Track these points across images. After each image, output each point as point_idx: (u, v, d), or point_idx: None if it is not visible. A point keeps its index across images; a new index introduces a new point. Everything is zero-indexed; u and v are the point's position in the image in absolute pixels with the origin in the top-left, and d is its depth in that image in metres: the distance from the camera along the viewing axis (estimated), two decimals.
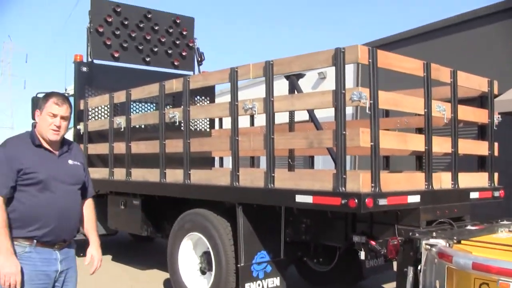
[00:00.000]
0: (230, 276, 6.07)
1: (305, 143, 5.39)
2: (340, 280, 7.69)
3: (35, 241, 3.59)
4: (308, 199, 5.13)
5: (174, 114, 6.82)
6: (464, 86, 6.12)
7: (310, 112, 6.32)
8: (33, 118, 9.69)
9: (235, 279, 6.07)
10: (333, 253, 7.45)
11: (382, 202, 4.85)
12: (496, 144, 6.58)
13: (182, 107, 6.67)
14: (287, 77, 6.21)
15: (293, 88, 6.14)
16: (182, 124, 6.77)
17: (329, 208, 5.11)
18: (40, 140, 3.69)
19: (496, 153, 6.58)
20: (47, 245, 3.64)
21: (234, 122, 5.89)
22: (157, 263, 9.01)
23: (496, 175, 6.61)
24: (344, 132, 4.81)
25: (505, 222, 5.76)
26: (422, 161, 7.13)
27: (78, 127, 9.04)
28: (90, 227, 4.00)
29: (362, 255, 5.82)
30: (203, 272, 6.75)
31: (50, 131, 3.64)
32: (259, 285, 6.04)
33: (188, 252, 6.83)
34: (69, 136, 9.27)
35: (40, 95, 9.73)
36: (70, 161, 3.83)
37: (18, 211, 3.55)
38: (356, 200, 4.69)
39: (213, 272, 6.30)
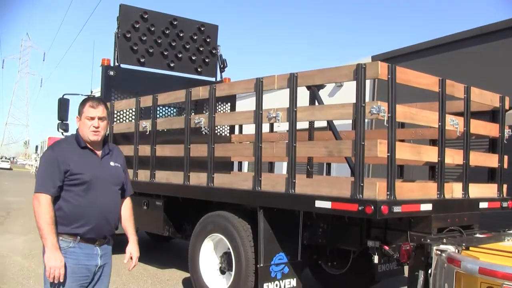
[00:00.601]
0: (249, 276, 6.39)
1: (325, 152, 5.72)
2: (352, 284, 7.99)
3: (78, 237, 3.90)
4: (327, 204, 5.45)
5: (200, 120, 7.15)
6: (477, 101, 6.43)
7: (330, 123, 6.67)
8: (60, 119, 10.14)
9: (254, 279, 6.39)
10: (346, 257, 7.78)
11: (397, 209, 5.17)
12: (505, 157, 6.89)
13: (207, 113, 7.01)
14: (308, 87, 6.54)
15: (314, 98, 6.46)
16: (203, 128, 7.10)
17: (347, 213, 5.44)
18: (84, 141, 4.01)
19: (505, 165, 6.89)
20: (89, 241, 3.95)
21: (258, 130, 6.22)
22: (175, 262, 9.35)
23: (505, 186, 6.91)
24: (363, 143, 5.14)
25: (511, 231, 6.06)
26: (435, 171, 7.49)
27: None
28: (129, 226, 4.30)
29: (376, 259, 6.15)
30: (222, 272, 7.08)
31: (90, 133, 3.96)
32: (276, 285, 6.35)
33: (209, 252, 7.15)
34: None
35: (67, 97, 10.20)
36: (111, 163, 4.14)
37: (63, 210, 3.86)
38: (372, 207, 5.02)
39: (233, 272, 6.62)
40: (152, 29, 10.16)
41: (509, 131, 6.97)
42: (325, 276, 8.22)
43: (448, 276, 4.87)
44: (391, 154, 5.17)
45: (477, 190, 6.43)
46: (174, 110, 10.46)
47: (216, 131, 10.53)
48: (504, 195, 6.89)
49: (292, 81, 5.84)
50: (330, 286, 8.14)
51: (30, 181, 42.46)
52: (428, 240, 5.25)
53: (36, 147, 50.43)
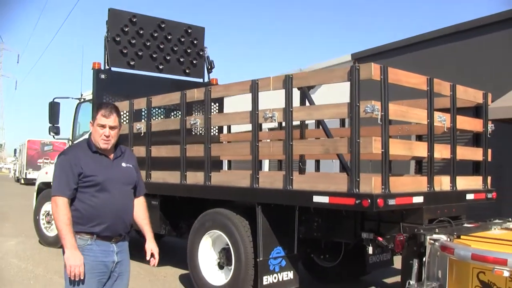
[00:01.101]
0: (249, 269, 6.65)
1: (322, 149, 6.01)
2: (344, 275, 8.32)
3: (95, 235, 4.10)
4: (325, 199, 5.74)
5: (196, 121, 7.39)
6: (462, 98, 6.77)
7: (321, 122, 6.96)
8: (51, 122, 10.29)
9: (254, 272, 6.66)
10: (338, 250, 8.10)
11: (391, 202, 5.49)
12: (489, 151, 7.24)
13: (203, 114, 7.25)
14: (299, 88, 6.81)
15: (304, 97, 6.71)
16: (198, 129, 7.34)
17: (344, 207, 5.73)
18: (95, 147, 4.20)
19: (489, 159, 7.25)
20: (105, 239, 4.15)
21: (255, 130, 6.49)
22: (169, 260, 9.53)
23: (489, 178, 7.27)
24: (358, 140, 5.43)
25: (497, 220, 6.40)
26: (422, 165, 7.84)
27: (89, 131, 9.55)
28: (145, 224, 4.48)
29: (370, 250, 6.45)
30: (221, 267, 7.32)
31: (101, 141, 4.14)
32: (275, 278, 6.63)
33: (208, 249, 7.39)
34: None
35: (57, 100, 10.35)
36: (123, 164, 4.32)
37: (79, 210, 4.07)
38: (369, 200, 5.32)
39: (232, 267, 6.87)
40: (141, 32, 10.34)
41: (492, 126, 7.33)
42: (317, 268, 8.53)
43: (442, 263, 5.19)
44: (385, 150, 5.48)
45: (463, 183, 6.76)
46: (163, 111, 10.66)
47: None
48: (489, 187, 7.24)
49: (287, 82, 6.10)
50: (323, 278, 8.44)
51: (9, 185, 42.23)
52: (421, 231, 5.56)
53: (15, 150, 50.14)
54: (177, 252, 10.02)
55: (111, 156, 4.28)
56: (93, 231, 4.09)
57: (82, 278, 3.98)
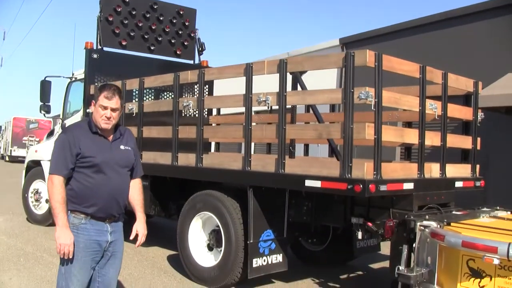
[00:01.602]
0: (239, 251, 6.71)
1: (315, 134, 6.06)
2: (332, 259, 8.41)
3: (89, 215, 4.13)
4: (317, 183, 5.79)
5: (189, 103, 7.40)
6: (453, 86, 6.83)
7: (313, 107, 6.99)
8: (42, 101, 10.26)
9: (243, 254, 6.72)
10: (326, 234, 8.18)
11: (383, 188, 5.55)
12: (478, 139, 7.33)
13: (196, 96, 7.27)
14: (291, 72, 6.82)
15: (296, 82, 6.71)
16: (191, 111, 7.34)
17: (336, 192, 5.80)
18: (96, 127, 4.21)
19: (478, 147, 7.33)
20: (99, 219, 4.18)
21: (248, 113, 6.51)
22: (157, 241, 9.55)
23: (477, 166, 7.36)
24: (352, 126, 5.48)
25: (485, 209, 6.50)
26: (411, 152, 7.91)
27: (88, 110, 9.54)
28: (137, 205, 4.47)
29: (359, 235, 6.53)
30: (210, 248, 7.38)
31: (102, 121, 4.15)
32: (264, 260, 6.70)
33: (197, 230, 7.43)
34: (78, 119, 9.85)
35: (49, 79, 10.31)
36: (122, 146, 4.34)
37: (75, 189, 4.10)
38: (361, 186, 5.38)
39: (222, 248, 6.93)
40: (133, 12, 10.29)
41: (481, 115, 7.41)
42: (305, 252, 8.62)
43: (431, 250, 5.27)
44: (377, 137, 5.53)
45: (452, 170, 6.85)
46: (152, 92, 10.65)
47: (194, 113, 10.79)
48: (477, 175, 7.33)
49: (282, 67, 6.12)
50: (310, 262, 8.53)
51: None
52: (412, 217, 5.64)
53: (0, 127, 49.75)
54: (166, 233, 10.07)
55: (110, 137, 4.29)
56: (86, 212, 4.12)
57: (71, 257, 4.02)
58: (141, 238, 4.43)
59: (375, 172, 5.53)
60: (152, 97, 10.56)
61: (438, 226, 5.36)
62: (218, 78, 7.16)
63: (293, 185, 6.26)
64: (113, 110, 4.16)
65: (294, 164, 6.20)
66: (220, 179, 7.17)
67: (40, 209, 11.43)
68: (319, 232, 7.99)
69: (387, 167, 5.82)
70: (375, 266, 8.78)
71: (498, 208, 6.52)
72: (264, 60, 6.43)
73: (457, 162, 7.30)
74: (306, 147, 9.25)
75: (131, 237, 4.42)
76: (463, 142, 7.21)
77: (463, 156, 7.43)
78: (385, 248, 8.46)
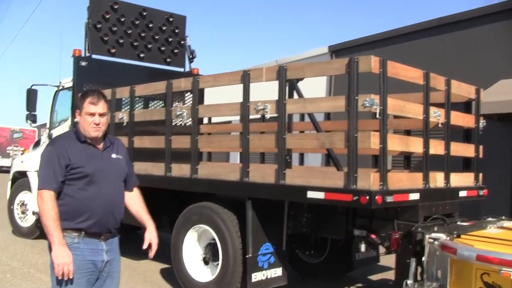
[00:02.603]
0: (237, 266, 6.44)
1: (317, 143, 5.82)
2: (330, 271, 8.17)
3: (83, 232, 3.84)
4: (320, 195, 5.55)
5: (182, 111, 7.15)
6: (455, 93, 6.64)
7: (311, 115, 6.77)
8: (28, 110, 9.99)
9: (242, 269, 6.46)
10: (324, 246, 7.95)
11: (389, 199, 5.32)
12: (481, 147, 7.14)
13: (190, 105, 7.02)
14: (287, 80, 6.59)
15: (292, 89, 6.48)
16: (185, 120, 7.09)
17: (340, 203, 5.57)
18: (84, 136, 3.95)
19: (481, 155, 7.15)
20: (93, 236, 3.89)
21: (246, 122, 6.27)
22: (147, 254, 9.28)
23: (480, 175, 7.17)
24: (356, 135, 5.26)
25: (490, 219, 6.30)
26: (410, 160, 7.72)
27: (75, 120, 9.23)
28: (143, 214, 4.26)
29: (363, 247, 6.30)
30: (206, 262, 7.11)
31: (91, 129, 3.90)
32: (263, 275, 6.44)
33: (192, 243, 7.16)
34: (66, 128, 9.57)
35: (35, 87, 10.03)
36: (113, 155, 4.08)
37: (67, 204, 3.81)
38: (367, 197, 5.15)
39: (219, 263, 6.65)
40: (122, 19, 10.05)
41: (483, 122, 7.23)
42: (302, 264, 8.37)
43: (441, 263, 5.06)
44: (383, 146, 5.32)
45: (456, 179, 6.65)
46: (141, 101, 10.37)
47: (184, 122, 10.52)
48: (480, 183, 7.14)
49: (281, 74, 5.90)
50: (308, 275, 8.29)
51: None
52: (419, 229, 5.43)
53: None
54: (160, 246, 9.76)
55: (100, 146, 4.04)
56: (80, 227, 3.84)
57: (70, 277, 3.73)
58: (155, 247, 4.23)
59: (381, 183, 5.31)
60: (142, 106, 10.28)
61: (448, 238, 5.15)
62: (213, 85, 6.90)
63: (295, 197, 6.01)
64: (101, 115, 3.93)
65: (295, 175, 5.95)
66: (216, 190, 6.90)
67: (27, 222, 11.08)
68: (317, 244, 7.76)
69: (393, 177, 5.60)
70: (374, 278, 8.56)
71: (503, 218, 6.33)
72: (262, 67, 6.19)
73: (459, 170, 7.11)
74: (301, 156, 9.04)
75: (145, 247, 4.21)
76: (466, 150, 7.01)
77: (464, 164, 7.23)
78: (384, 259, 8.29)
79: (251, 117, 6.34)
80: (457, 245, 4.88)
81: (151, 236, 4.22)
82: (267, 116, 6.15)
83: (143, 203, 4.34)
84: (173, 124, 8.08)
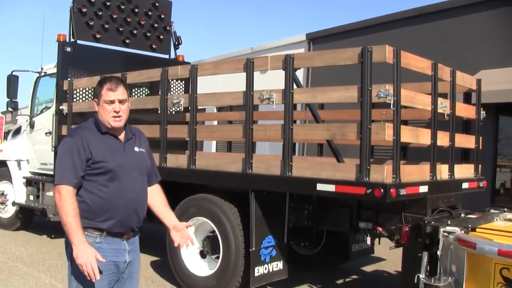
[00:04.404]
0: (239, 260, 6.27)
1: (327, 135, 5.69)
2: (324, 263, 8.06)
3: (105, 232, 3.56)
4: (331, 187, 5.40)
5: (179, 100, 6.92)
6: (459, 84, 6.56)
7: (311, 105, 6.63)
8: (9, 97, 9.63)
9: (243, 262, 6.30)
10: (319, 238, 7.82)
11: (402, 192, 5.22)
12: (481, 138, 7.09)
13: (189, 93, 6.80)
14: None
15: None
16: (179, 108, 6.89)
17: (352, 196, 5.45)
18: (105, 127, 3.65)
19: (481, 147, 7.10)
20: (116, 235, 3.61)
21: (249, 112, 6.08)
22: (143, 247, 9.06)
23: (480, 166, 7.13)
24: (369, 127, 5.13)
25: (493, 211, 6.26)
26: (407, 152, 7.63)
27: (61, 107, 8.94)
28: (166, 210, 3.98)
29: (368, 240, 6.21)
30: (203, 256, 6.92)
31: (111, 118, 3.59)
32: (265, 268, 6.29)
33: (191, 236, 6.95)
34: (49, 116, 9.24)
35: (16, 73, 9.67)
36: (136, 148, 3.77)
37: (87, 202, 3.52)
38: (382, 190, 5.02)
39: (219, 256, 6.48)
40: (108, 3, 9.70)
41: (483, 113, 7.18)
42: (296, 256, 8.23)
43: (457, 257, 4.96)
44: (396, 137, 5.21)
45: (458, 171, 6.58)
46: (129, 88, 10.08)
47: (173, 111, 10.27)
48: (480, 175, 7.10)
49: (288, 62, 5.72)
50: (302, 266, 8.14)
51: None
52: (433, 222, 5.34)
53: None
54: (146, 238, 9.54)
55: (122, 137, 3.73)
56: (102, 227, 3.55)
57: (97, 275, 3.35)
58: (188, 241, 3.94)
59: (394, 175, 5.20)
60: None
61: (462, 231, 5.07)
62: (213, 74, 6.68)
63: (303, 189, 5.86)
64: (121, 102, 3.61)
65: (302, 166, 5.80)
66: (216, 182, 6.70)
67: (6, 213, 10.70)
68: (311, 236, 7.63)
69: (404, 170, 5.49)
70: (368, 269, 8.49)
71: (505, 210, 6.30)
72: (267, 55, 6.01)
73: (458, 162, 7.05)
74: (303, 146, 8.85)
75: (176, 245, 3.93)
76: (467, 141, 6.95)
77: (463, 156, 7.18)
78: (378, 251, 8.24)
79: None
80: (476, 239, 4.79)
81: (183, 235, 3.91)
82: (273, 106, 5.93)
83: (165, 199, 4.05)
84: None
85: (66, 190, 3.44)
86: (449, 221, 5.31)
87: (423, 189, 5.63)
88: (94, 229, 3.54)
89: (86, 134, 3.61)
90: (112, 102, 3.59)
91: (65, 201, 3.41)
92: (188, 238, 3.92)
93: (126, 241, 3.69)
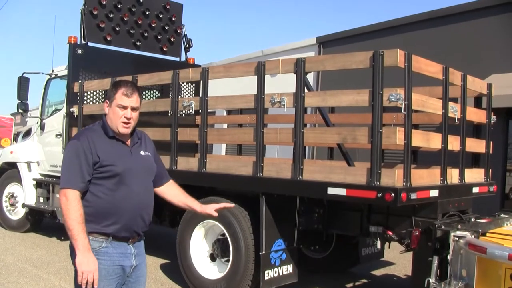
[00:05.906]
0: (249, 263, 6.28)
1: (338, 138, 5.70)
2: (334, 267, 8.06)
3: (110, 236, 3.54)
4: (341, 191, 5.41)
5: (190, 102, 6.94)
6: (470, 88, 6.55)
7: (322, 109, 6.64)
8: (20, 98, 9.68)
9: (253, 266, 6.31)
10: (329, 242, 7.81)
11: (413, 196, 5.22)
12: (491, 143, 7.08)
13: (200, 96, 6.83)
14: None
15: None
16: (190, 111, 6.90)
17: (363, 200, 5.45)
18: (113, 131, 3.62)
19: (491, 151, 7.09)
20: (122, 240, 3.59)
21: (260, 115, 6.10)
22: (147, 249, 9.09)
23: (490, 171, 7.11)
24: (381, 130, 5.13)
25: (503, 215, 6.26)
26: (417, 156, 7.63)
27: (71, 109, 8.99)
28: (186, 197, 4.03)
29: (378, 244, 6.20)
30: (213, 259, 6.93)
31: (120, 124, 3.55)
32: (275, 272, 6.29)
33: (200, 239, 6.97)
34: (59, 119, 9.29)
35: (26, 75, 9.72)
36: (142, 152, 3.75)
37: (93, 206, 3.49)
38: (392, 194, 5.03)
39: (230, 259, 6.49)
40: (119, 6, 9.77)
41: (494, 118, 7.16)
42: (305, 260, 8.23)
43: (467, 262, 4.98)
44: (407, 142, 5.21)
45: (468, 175, 6.58)
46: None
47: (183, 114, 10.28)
48: (490, 179, 7.09)
49: (299, 66, 5.74)
50: (312, 270, 8.14)
51: None
52: (443, 226, 5.34)
53: None
54: (156, 240, 9.58)
55: (128, 142, 3.70)
56: (107, 232, 3.52)
57: (96, 287, 3.38)
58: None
59: (405, 180, 5.21)
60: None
61: (473, 236, 5.07)
62: (224, 77, 6.69)
63: (314, 193, 5.87)
64: (133, 109, 3.57)
65: (313, 170, 5.81)
66: (227, 185, 6.73)
67: (16, 215, 10.77)
68: (321, 239, 7.63)
69: (415, 174, 5.48)
70: (378, 273, 8.49)
71: None
72: (279, 59, 6.04)
73: (468, 166, 7.04)
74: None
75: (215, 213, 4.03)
76: (477, 145, 6.94)
77: (473, 160, 7.17)
78: (388, 255, 8.24)
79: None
80: (487, 244, 4.80)
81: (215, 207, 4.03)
82: (285, 109, 5.94)
83: (182, 189, 4.08)
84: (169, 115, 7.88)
85: (73, 195, 3.41)
86: (459, 226, 5.31)
87: (434, 193, 5.63)
88: (100, 234, 3.52)
89: (93, 137, 3.57)
90: (124, 107, 3.56)
91: (72, 206, 3.39)
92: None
93: (132, 245, 3.67)
